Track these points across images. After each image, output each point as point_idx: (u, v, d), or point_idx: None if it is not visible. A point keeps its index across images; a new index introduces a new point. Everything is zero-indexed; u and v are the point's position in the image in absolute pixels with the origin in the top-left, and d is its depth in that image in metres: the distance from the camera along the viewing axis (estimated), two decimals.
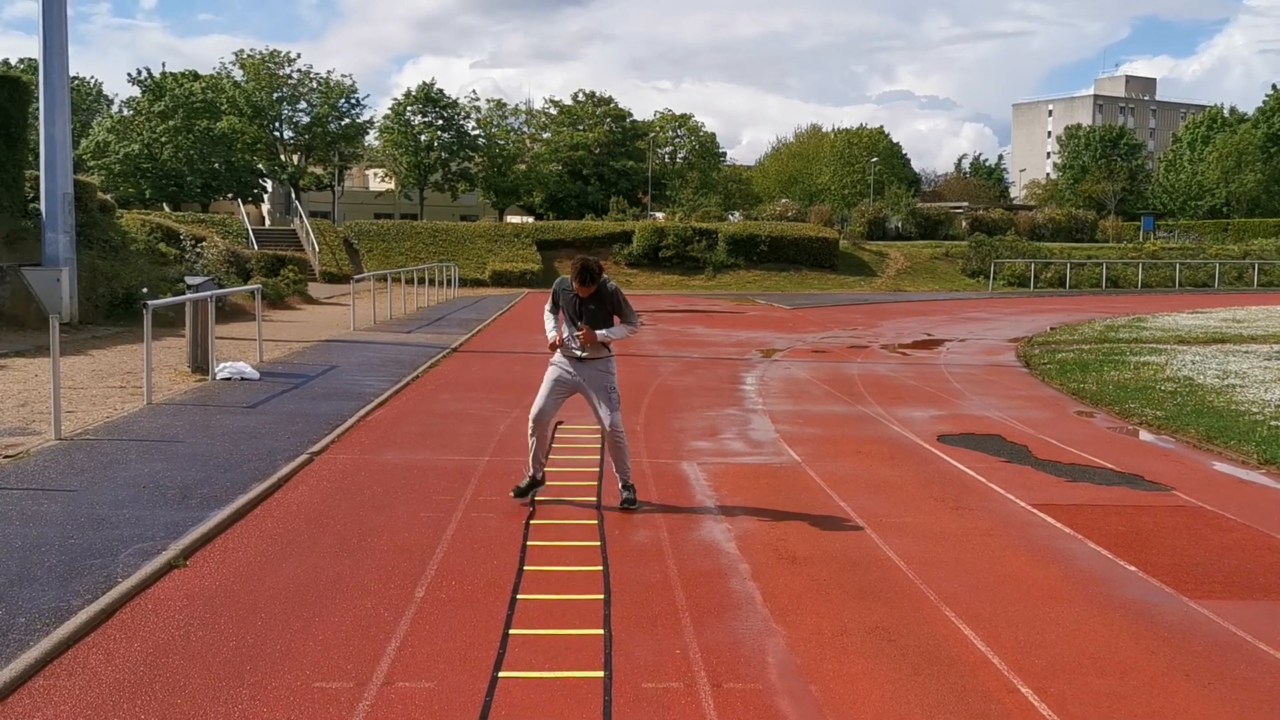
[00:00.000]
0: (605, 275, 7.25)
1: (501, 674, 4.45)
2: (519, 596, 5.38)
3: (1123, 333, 22.43)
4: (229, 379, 12.36)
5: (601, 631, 4.95)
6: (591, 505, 7.35)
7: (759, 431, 10.57)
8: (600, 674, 4.47)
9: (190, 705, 4.06)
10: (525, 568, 5.87)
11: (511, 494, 7.34)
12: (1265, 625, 5.23)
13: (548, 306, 7.39)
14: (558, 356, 7.25)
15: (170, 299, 13.55)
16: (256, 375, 12.65)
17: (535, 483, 7.40)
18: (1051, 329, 24.02)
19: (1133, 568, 6.14)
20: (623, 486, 7.32)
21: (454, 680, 4.37)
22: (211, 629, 4.85)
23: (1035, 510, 7.45)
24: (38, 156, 17.92)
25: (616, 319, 7.25)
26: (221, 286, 17.13)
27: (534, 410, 7.29)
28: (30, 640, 4.48)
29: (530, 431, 7.28)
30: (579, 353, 7.16)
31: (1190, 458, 9.65)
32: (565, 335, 7.21)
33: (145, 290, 18.13)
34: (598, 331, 7.08)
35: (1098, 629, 5.16)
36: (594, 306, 7.11)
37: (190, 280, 13.04)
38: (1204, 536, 6.86)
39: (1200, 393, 12.97)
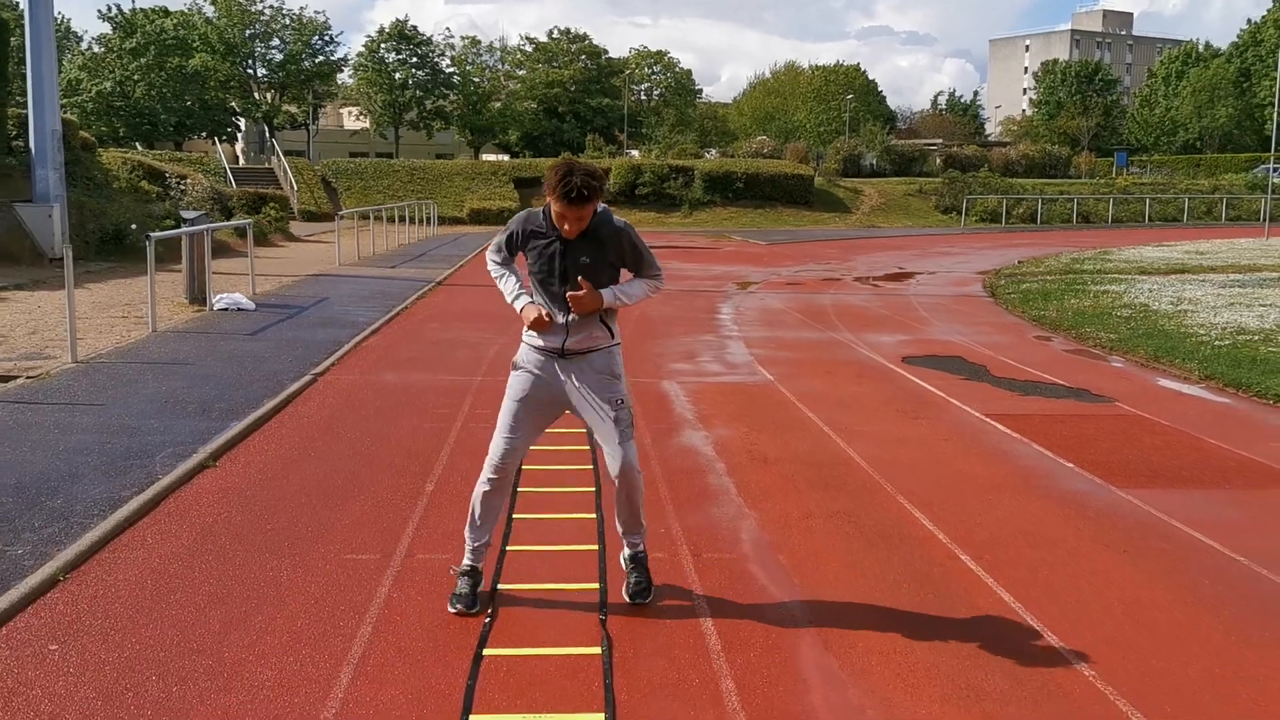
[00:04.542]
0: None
1: (509, 548, 5.08)
2: (520, 489, 5.98)
3: (1088, 265, 23.13)
4: (226, 309, 12.84)
5: (594, 515, 5.58)
6: None
7: (735, 355, 11.19)
8: (595, 547, 5.11)
9: (241, 571, 4.67)
10: (523, 466, 6.45)
11: (450, 608, 4.33)
12: (1181, 508, 5.92)
13: (493, 252, 4.46)
14: (525, 352, 4.38)
15: (171, 232, 13.95)
16: (253, 306, 13.14)
17: (476, 576, 4.43)
18: (1019, 262, 24.71)
19: (1070, 464, 6.82)
20: (630, 558, 4.53)
21: None
22: (250, 515, 5.45)
23: (988, 419, 8.12)
24: (20, 94, 18.13)
25: (627, 274, 4.37)
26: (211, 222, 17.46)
27: (494, 454, 4.39)
28: (91, 522, 5.07)
29: (483, 491, 4.41)
30: (561, 340, 4.27)
31: (1137, 375, 10.35)
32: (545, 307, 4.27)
33: (135, 227, 18.51)
34: (603, 292, 4.21)
35: (1034, 512, 5.84)
36: (589, 259, 4.17)
37: (186, 215, 13.46)
38: (1137, 439, 7.56)
39: (1154, 318, 13.67)
